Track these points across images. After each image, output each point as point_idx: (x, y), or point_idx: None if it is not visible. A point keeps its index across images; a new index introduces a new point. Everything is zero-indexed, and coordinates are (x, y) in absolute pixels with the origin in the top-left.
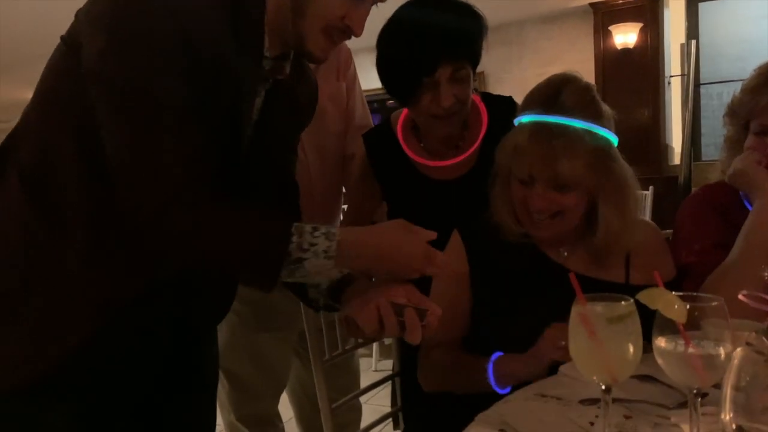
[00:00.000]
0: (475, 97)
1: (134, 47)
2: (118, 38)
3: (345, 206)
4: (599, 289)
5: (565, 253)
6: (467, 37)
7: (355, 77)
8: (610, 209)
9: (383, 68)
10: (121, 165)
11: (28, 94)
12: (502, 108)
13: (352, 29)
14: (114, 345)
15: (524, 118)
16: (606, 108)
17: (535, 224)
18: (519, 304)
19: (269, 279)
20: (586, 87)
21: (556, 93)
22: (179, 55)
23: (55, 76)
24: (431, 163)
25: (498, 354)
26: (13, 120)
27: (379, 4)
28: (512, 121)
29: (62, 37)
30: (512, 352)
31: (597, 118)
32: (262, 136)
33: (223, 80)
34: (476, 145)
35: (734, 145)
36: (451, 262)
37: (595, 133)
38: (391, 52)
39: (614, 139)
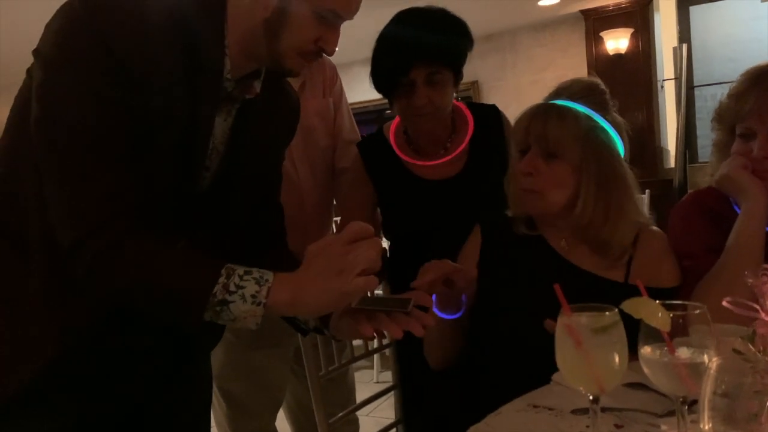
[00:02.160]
0: (461, 105)
1: (65, 85)
2: (51, 75)
3: (337, 219)
4: (599, 284)
5: (565, 245)
6: (443, 43)
7: (341, 93)
8: (590, 194)
9: (372, 68)
10: (47, 198)
11: None
12: (487, 114)
13: (326, 50)
14: (98, 365)
15: None
16: (617, 116)
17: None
18: (520, 293)
19: (192, 319)
20: (596, 83)
21: (569, 84)
22: (114, 89)
23: (21, 106)
24: (421, 163)
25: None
26: None
27: (375, 18)
28: (498, 125)
29: (27, 70)
30: (509, 340)
31: (601, 109)
32: (235, 156)
33: (170, 107)
34: (463, 145)
35: (722, 149)
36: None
37: (595, 121)
38: (375, 54)
39: (617, 139)
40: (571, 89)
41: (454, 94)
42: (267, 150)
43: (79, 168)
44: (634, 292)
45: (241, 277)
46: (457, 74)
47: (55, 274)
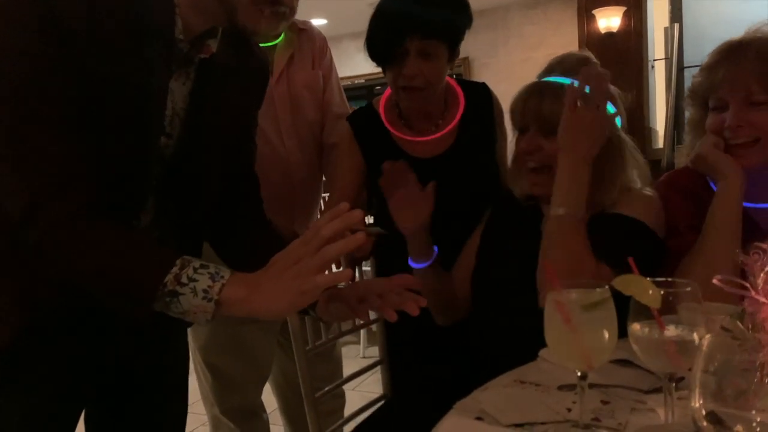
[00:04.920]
0: (452, 82)
1: (2, 49)
2: None
3: (325, 195)
4: None
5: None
6: (440, 15)
7: (331, 65)
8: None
9: (367, 36)
10: None
11: None
12: (477, 91)
13: None
14: (70, 336)
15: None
16: (611, 86)
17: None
18: (512, 267)
19: (139, 306)
20: (587, 56)
21: (560, 60)
22: (55, 53)
23: None
24: (412, 138)
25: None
26: None
27: None
28: (487, 103)
29: None
30: (498, 313)
31: None
32: (198, 120)
33: (119, 72)
34: (454, 122)
35: (696, 127)
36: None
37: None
38: (372, 22)
39: (612, 110)
40: (563, 64)
41: (448, 71)
42: (234, 114)
43: (23, 136)
44: None
45: (195, 270)
46: (453, 51)
47: (12, 248)
